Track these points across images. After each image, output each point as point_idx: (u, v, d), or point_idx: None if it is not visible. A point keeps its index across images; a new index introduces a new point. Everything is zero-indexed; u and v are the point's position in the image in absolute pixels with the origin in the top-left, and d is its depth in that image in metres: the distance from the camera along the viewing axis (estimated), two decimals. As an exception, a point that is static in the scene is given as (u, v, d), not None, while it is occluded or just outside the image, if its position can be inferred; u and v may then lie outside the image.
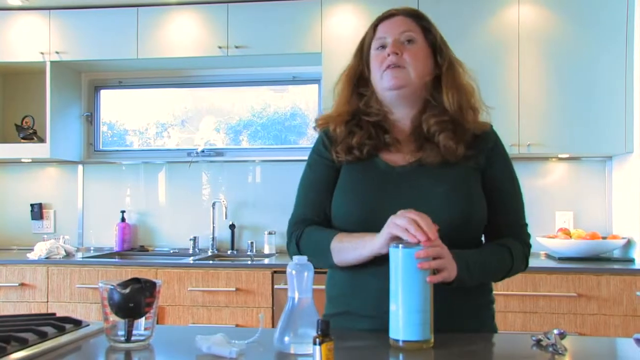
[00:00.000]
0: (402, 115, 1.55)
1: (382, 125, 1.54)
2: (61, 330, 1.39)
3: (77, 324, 1.45)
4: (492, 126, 1.57)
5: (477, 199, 1.48)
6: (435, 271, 1.29)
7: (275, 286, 3.24)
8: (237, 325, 3.25)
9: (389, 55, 1.49)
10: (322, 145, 1.59)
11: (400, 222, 1.29)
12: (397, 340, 1.26)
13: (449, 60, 1.53)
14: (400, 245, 1.26)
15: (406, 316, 1.25)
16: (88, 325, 1.46)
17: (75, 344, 1.34)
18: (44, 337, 1.32)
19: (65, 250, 3.63)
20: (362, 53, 1.58)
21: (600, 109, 3.28)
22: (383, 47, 1.52)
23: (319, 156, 1.59)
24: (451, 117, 1.49)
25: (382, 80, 1.51)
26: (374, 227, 1.37)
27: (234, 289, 3.26)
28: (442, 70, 1.52)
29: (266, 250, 3.81)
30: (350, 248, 1.42)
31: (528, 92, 3.35)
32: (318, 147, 1.60)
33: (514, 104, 3.34)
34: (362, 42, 1.59)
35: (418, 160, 1.50)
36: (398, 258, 1.26)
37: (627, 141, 3.25)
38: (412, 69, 1.49)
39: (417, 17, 1.55)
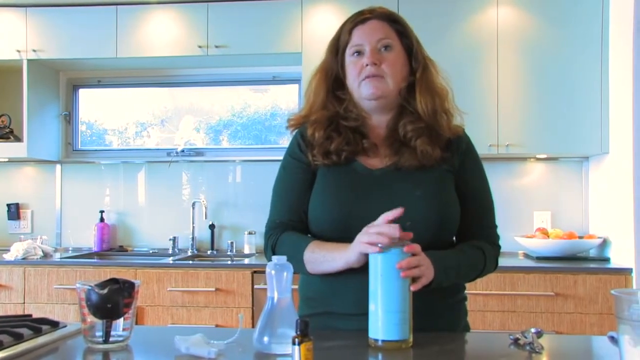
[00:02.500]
0: (378, 120, 1.56)
1: (361, 130, 1.54)
2: (37, 332, 1.37)
3: (54, 325, 1.44)
4: (464, 130, 1.59)
5: (452, 201, 1.50)
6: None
7: (255, 286, 3.23)
8: (216, 326, 3.24)
9: (367, 65, 1.49)
10: (298, 148, 1.58)
11: (367, 239, 1.29)
12: (377, 340, 1.27)
13: (423, 63, 1.53)
14: (379, 246, 1.27)
15: (385, 316, 1.25)
16: (65, 326, 1.44)
17: (52, 345, 1.33)
18: (19, 338, 1.30)
19: (42, 251, 3.58)
20: (337, 54, 1.57)
21: (577, 110, 3.33)
22: (359, 52, 1.52)
23: (294, 159, 1.58)
24: (426, 123, 1.50)
25: (360, 89, 1.51)
26: (352, 229, 1.37)
27: (213, 289, 3.25)
28: (416, 76, 1.52)
29: (246, 250, 3.80)
30: (323, 261, 1.43)
31: (506, 93, 3.38)
32: (293, 150, 1.60)
33: (492, 104, 3.37)
34: (337, 41, 1.57)
35: (395, 164, 1.50)
36: (377, 259, 1.27)
37: (602, 142, 3.29)
38: (391, 78, 1.49)
39: (392, 21, 1.54)
